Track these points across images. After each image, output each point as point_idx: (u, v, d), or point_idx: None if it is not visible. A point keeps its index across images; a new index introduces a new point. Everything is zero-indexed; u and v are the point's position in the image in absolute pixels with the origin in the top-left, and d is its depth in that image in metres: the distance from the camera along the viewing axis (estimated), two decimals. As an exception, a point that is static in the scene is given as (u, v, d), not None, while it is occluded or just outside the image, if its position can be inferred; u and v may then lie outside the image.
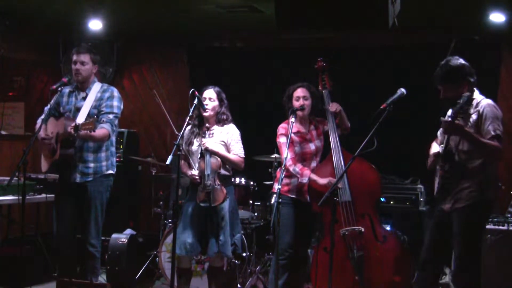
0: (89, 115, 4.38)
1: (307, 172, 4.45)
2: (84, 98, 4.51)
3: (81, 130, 4.12)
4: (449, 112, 3.98)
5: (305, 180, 4.45)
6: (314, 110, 4.63)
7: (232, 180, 4.81)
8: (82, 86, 4.56)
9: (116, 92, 4.58)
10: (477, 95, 3.84)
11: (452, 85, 3.79)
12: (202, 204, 4.30)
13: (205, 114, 4.44)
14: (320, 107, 4.62)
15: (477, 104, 3.78)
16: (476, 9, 5.25)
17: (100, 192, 4.50)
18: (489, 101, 3.81)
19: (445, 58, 3.90)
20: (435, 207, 4.00)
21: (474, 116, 3.76)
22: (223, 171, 4.43)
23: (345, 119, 4.57)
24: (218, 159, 4.35)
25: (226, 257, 4.48)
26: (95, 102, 4.48)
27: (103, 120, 4.41)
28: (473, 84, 3.83)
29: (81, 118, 4.33)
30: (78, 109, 4.47)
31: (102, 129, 4.38)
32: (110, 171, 4.57)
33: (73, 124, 4.14)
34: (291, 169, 4.46)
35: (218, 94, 4.49)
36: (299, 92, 4.55)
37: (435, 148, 3.99)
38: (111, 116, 4.46)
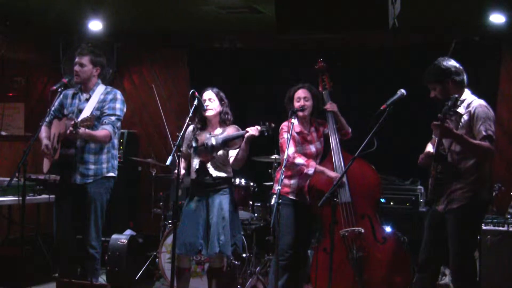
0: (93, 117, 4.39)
1: (313, 163, 4.43)
2: (87, 100, 4.51)
3: (80, 127, 4.11)
4: None
5: (311, 171, 4.40)
6: (315, 111, 4.63)
7: (232, 181, 4.81)
8: (85, 88, 4.56)
9: (119, 95, 4.57)
10: (468, 95, 3.84)
11: (438, 85, 3.84)
12: (194, 144, 4.29)
13: (207, 114, 4.43)
14: (321, 108, 4.62)
15: (469, 104, 3.79)
16: (476, 9, 5.25)
17: (100, 193, 4.49)
18: (481, 101, 3.81)
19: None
20: (429, 208, 4.01)
21: (465, 117, 3.76)
22: (223, 173, 4.43)
23: (344, 124, 4.58)
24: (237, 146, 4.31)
25: (226, 257, 4.47)
26: (98, 104, 4.48)
27: (105, 122, 4.41)
28: (460, 83, 3.84)
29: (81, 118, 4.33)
30: (80, 111, 4.47)
31: (103, 130, 4.38)
32: (111, 174, 4.57)
33: (73, 122, 4.14)
34: (295, 161, 4.41)
35: (217, 94, 4.48)
36: (300, 93, 4.55)
37: (430, 148, 4.02)
38: (113, 118, 4.45)
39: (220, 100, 4.48)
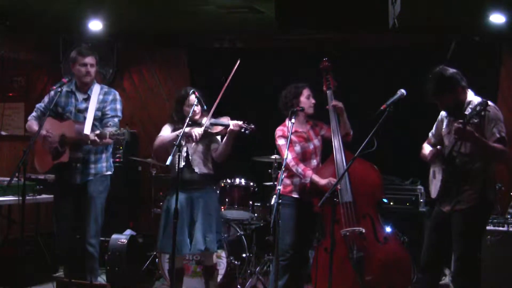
0: (94, 118, 4.44)
1: (309, 172, 4.45)
2: (86, 100, 4.53)
3: (111, 138, 4.17)
4: (443, 112, 4.01)
5: (307, 180, 4.46)
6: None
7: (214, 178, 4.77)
8: (82, 87, 4.56)
9: (118, 95, 4.68)
10: (472, 97, 3.84)
11: (449, 94, 3.81)
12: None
13: (196, 117, 4.42)
14: (323, 107, 4.63)
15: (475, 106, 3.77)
16: (476, 9, 5.25)
17: (100, 192, 4.52)
18: (489, 102, 3.80)
19: (430, 72, 3.90)
20: (434, 208, 4.01)
21: (475, 119, 3.75)
22: (206, 170, 4.44)
23: (347, 124, 4.55)
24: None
25: (213, 252, 4.47)
26: (98, 104, 4.52)
27: (109, 124, 4.47)
28: (465, 86, 3.85)
29: (88, 122, 4.38)
30: (79, 111, 4.49)
31: None
32: (109, 172, 4.62)
33: (98, 132, 4.20)
34: (294, 169, 4.46)
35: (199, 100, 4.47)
36: (309, 91, 4.58)
37: (427, 148, 4.03)
38: (116, 119, 4.55)
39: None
